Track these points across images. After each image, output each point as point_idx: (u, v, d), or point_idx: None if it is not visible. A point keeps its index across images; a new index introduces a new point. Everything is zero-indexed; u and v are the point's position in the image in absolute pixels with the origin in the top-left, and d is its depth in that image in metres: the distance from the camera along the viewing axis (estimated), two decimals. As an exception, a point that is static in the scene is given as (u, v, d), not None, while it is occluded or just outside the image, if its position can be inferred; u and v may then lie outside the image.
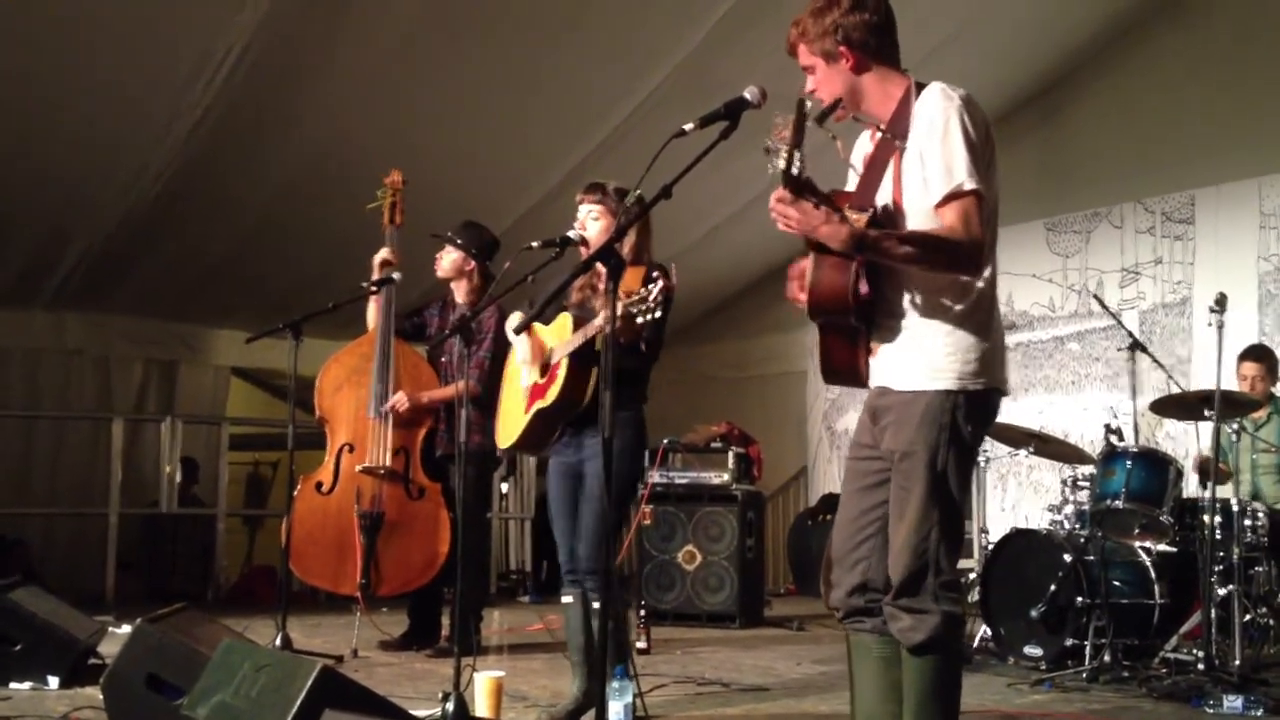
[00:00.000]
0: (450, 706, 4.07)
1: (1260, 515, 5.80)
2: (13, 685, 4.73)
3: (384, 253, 6.28)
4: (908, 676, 2.91)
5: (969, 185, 2.76)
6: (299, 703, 3.04)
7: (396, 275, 6.19)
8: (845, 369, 3.05)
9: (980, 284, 2.88)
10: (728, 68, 7.49)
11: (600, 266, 3.25)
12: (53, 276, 8.90)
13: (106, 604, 8.08)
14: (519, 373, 4.75)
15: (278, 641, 5.66)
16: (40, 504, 9.28)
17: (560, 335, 4.44)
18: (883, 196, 2.91)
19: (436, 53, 7.38)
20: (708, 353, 12.18)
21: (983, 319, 2.89)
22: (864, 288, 2.84)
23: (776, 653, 6.50)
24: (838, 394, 11.16)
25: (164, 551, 9.88)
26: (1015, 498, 9.38)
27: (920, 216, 2.84)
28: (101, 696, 3.95)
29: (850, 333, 2.98)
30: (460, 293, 6.31)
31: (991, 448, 7.05)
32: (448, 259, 6.26)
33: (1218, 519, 5.50)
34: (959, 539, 2.92)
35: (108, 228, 8.33)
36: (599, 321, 4.12)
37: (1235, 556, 5.45)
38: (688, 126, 3.07)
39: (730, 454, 8.06)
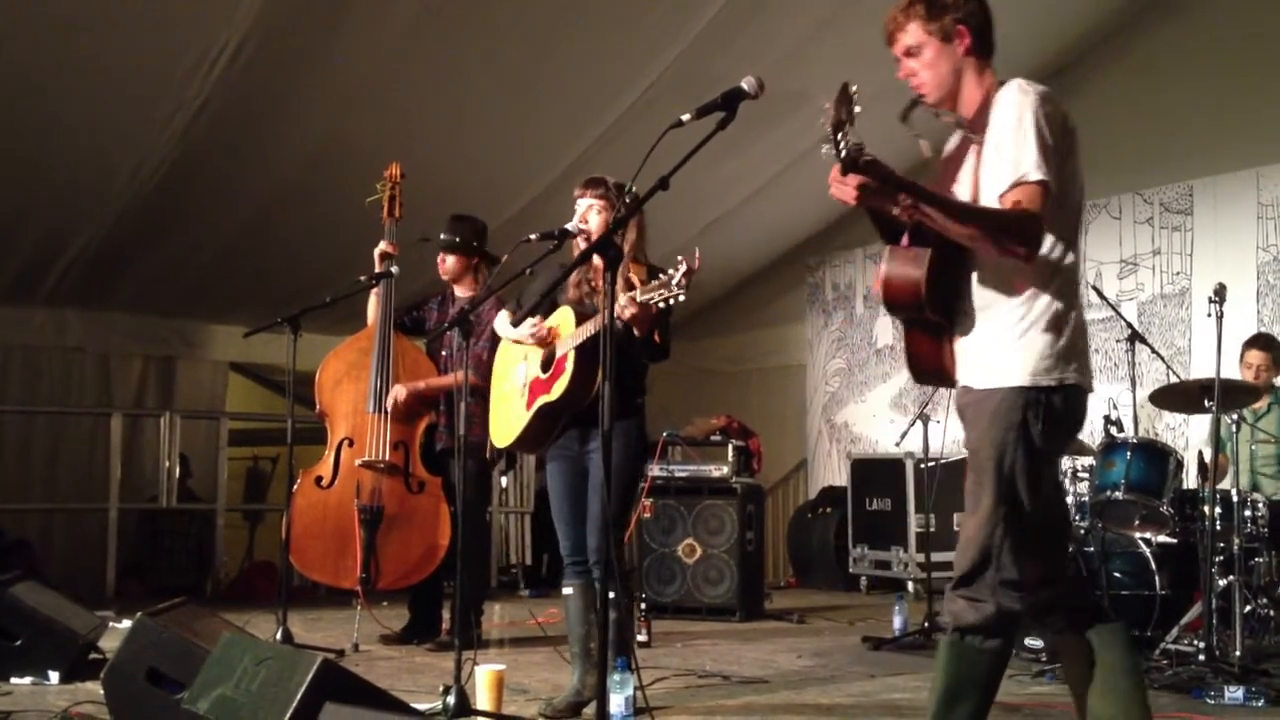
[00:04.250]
0: (451, 699, 4.07)
1: (1260, 506, 5.79)
2: (13, 680, 4.75)
3: (384, 245, 6.27)
4: (942, 659, 2.93)
5: (1034, 176, 2.79)
6: (300, 696, 3.04)
7: (394, 269, 6.19)
8: (931, 368, 3.06)
9: (1056, 280, 2.89)
10: (724, 62, 7.48)
11: (598, 261, 3.24)
12: (52, 273, 8.88)
13: (107, 599, 8.10)
14: (510, 371, 4.73)
15: (278, 636, 5.67)
16: (40, 500, 9.27)
17: (561, 329, 4.43)
18: (961, 193, 2.95)
19: (435, 47, 7.36)
20: (707, 346, 12.18)
21: (1059, 314, 2.89)
22: (905, 241, 2.88)
23: (776, 645, 6.50)
24: (837, 387, 11.17)
25: (163, 547, 9.87)
26: (1015, 490, 9.36)
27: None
28: (102, 691, 3.96)
29: (932, 328, 3.00)
30: (463, 287, 6.32)
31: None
32: (451, 260, 6.26)
33: (1218, 510, 5.50)
34: (1025, 540, 2.88)
35: (106, 224, 8.31)
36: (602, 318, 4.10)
37: (1236, 547, 5.44)
38: (685, 117, 3.09)
39: (730, 447, 8.04)
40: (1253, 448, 6.38)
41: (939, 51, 2.95)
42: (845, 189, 2.79)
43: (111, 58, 6.80)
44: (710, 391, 11.68)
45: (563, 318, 4.45)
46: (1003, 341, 2.89)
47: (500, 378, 4.79)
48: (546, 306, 4.48)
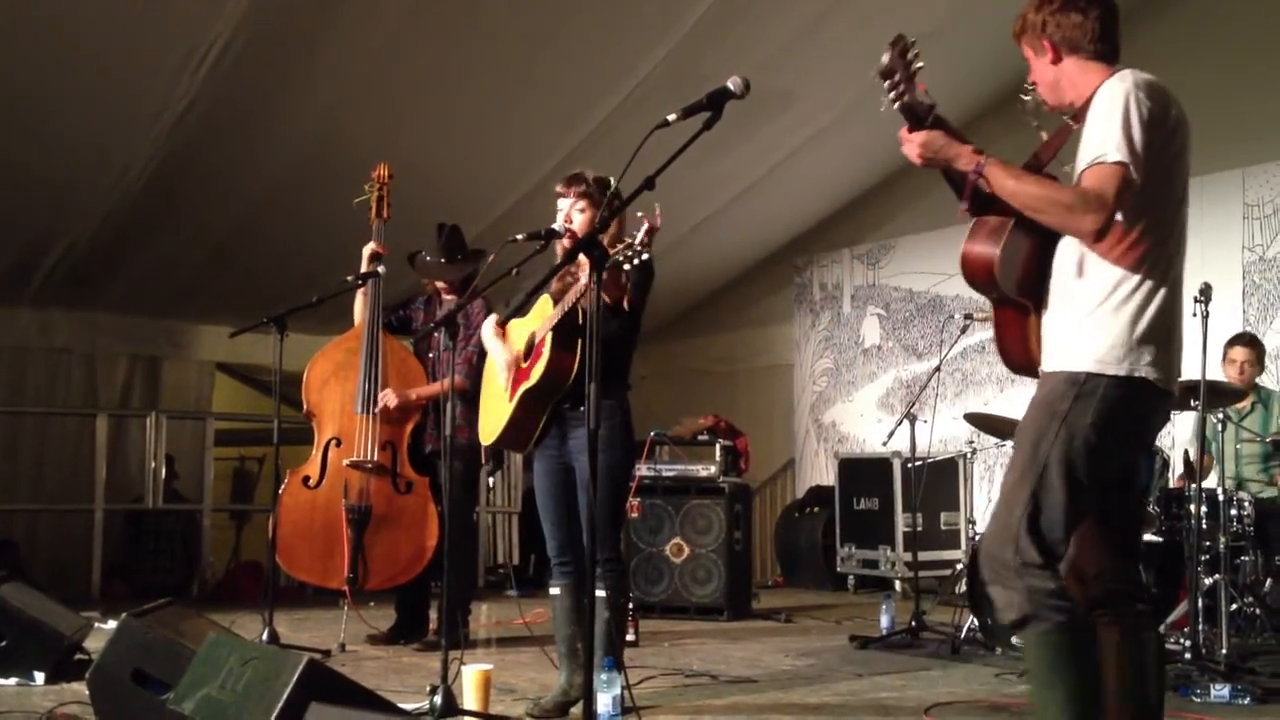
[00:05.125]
0: (438, 699, 4.07)
1: (1246, 504, 5.81)
2: (-2, 681, 4.73)
3: (372, 245, 6.26)
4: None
5: (1113, 156, 2.78)
6: (285, 696, 3.03)
7: (382, 269, 6.18)
8: (1017, 355, 3.03)
9: (1145, 263, 2.84)
10: (713, 61, 7.48)
11: (583, 259, 3.23)
12: (38, 273, 8.85)
13: (92, 599, 8.07)
14: (499, 372, 4.72)
15: (264, 636, 5.65)
16: (26, 500, 9.24)
17: (543, 318, 4.43)
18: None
19: (424, 46, 7.35)
20: (695, 346, 12.19)
21: (1143, 299, 2.83)
22: (963, 207, 2.94)
23: (764, 645, 6.51)
24: (824, 387, 11.18)
25: (148, 547, 9.85)
26: (1002, 489, 9.38)
27: None
28: (87, 692, 3.95)
29: (1018, 309, 2.99)
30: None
31: (978, 439, 7.05)
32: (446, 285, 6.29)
33: (1204, 508, 5.51)
34: (1048, 531, 2.82)
35: (93, 224, 8.29)
36: (579, 286, 4.09)
37: (1221, 546, 5.45)
38: (670, 117, 3.09)
39: (718, 446, 8.04)
40: (1237, 447, 6.41)
41: (1035, 64, 3.09)
42: (910, 146, 2.91)
43: (99, 56, 6.77)
44: (698, 391, 11.69)
45: (542, 306, 4.46)
46: (1073, 322, 2.86)
47: (490, 379, 4.79)
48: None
